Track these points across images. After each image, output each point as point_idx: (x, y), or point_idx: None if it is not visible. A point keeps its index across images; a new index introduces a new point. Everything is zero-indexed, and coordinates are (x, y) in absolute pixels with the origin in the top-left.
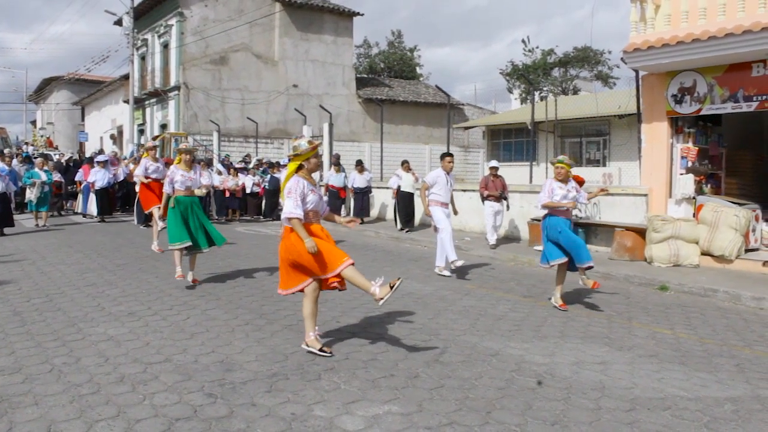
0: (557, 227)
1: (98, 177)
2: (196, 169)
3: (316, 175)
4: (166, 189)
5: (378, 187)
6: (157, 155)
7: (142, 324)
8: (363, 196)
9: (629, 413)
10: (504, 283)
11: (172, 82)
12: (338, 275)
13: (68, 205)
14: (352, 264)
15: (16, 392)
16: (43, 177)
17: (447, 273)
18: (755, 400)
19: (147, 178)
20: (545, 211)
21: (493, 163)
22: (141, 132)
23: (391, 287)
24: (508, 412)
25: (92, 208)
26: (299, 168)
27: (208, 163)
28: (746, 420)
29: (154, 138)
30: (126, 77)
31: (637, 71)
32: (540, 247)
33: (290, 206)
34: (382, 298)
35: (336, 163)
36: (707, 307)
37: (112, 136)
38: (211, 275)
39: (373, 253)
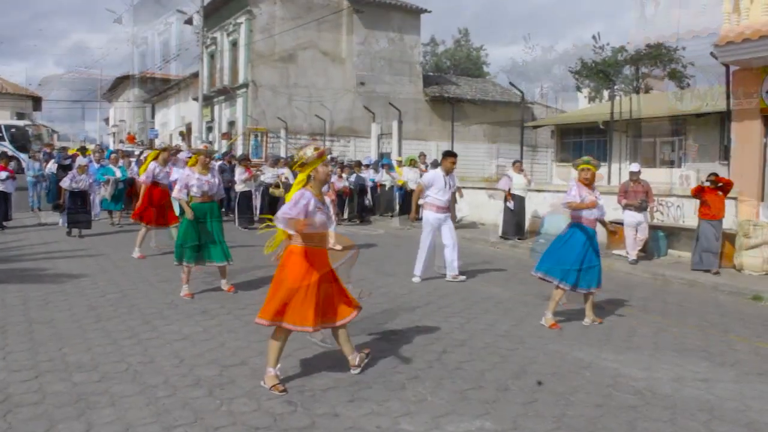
0: (575, 235)
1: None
2: (213, 172)
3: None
4: (180, 195)
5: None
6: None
7: (216, 323)
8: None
9: None
10: None
11: (241, 80)
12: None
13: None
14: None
15: (93, 391)
16: (118, 174)
17: (415, 280)
18: None
19: (154, 182)
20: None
21: (634, 167)
22: (209, 129)
23: (270, 387)
24: None
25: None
26: (308, 180)
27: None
28: None
29: (224, 136)
30: (195, 75)
31: (727, 66)
32: (620, 252)
33: (286, 208)
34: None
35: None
36: None
37: (181, 133)
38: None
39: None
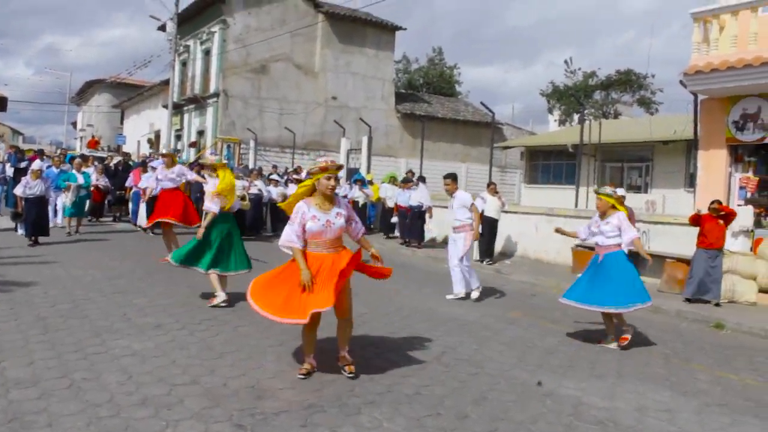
0: (590, 265)
1: (151, 183)
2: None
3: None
4: (212, 208)
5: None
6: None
7: (168, 339)
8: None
9: None
10: (549, 312)
11: (212, 89)
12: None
13: (106, 211)
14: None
15: (30, 409)
16: (80, 180)
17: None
18: None
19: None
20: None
21: (620, 191)
22: (178, 137)
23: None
24: None
25: (143, 218)
26: (313, 190)
27: (260, 172)
28: None
29: (191, 144)
30: (166, 82)
31: (696, 95)
32: None
33: (285, 233)
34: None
35: (405, 180)
36: None
37: (149, 140)
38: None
39: (410, 272)
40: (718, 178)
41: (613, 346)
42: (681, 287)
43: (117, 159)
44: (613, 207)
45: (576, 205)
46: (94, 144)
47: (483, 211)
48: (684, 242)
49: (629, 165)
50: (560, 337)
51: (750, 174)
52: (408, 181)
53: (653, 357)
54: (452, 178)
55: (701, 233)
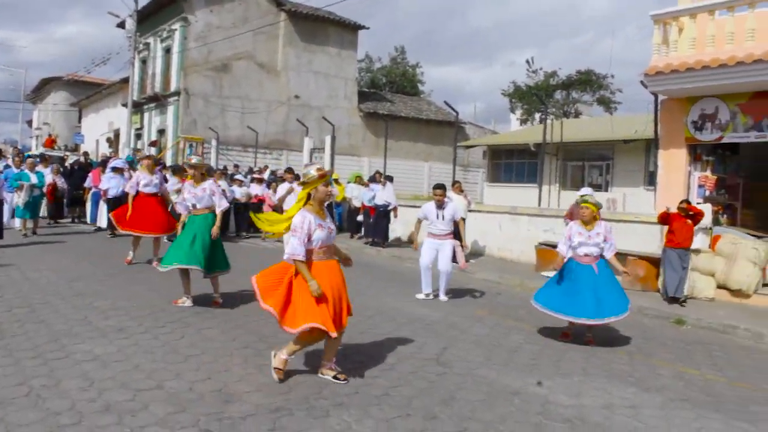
0: (569, 268)
1: (112, 184)
2: (205, 185)
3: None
4: (179, 209)
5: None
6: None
7: (131, 342)
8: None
9: None
10: (514, 310)
11: (173, 88)
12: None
13: (66, 212)
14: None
15: None
16: (33, 179)
17: (420, 297)
18: None
19: (139, 192)
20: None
21: (585, 190)
22: (138, 136)
23: (275, 372)
24: None
25: (102, 219)
26: (308, 198)
27: (224, 173)
28: None
29: (152, 144)
30: (126, 80)
31: (656, 95)
32: (549, 273)
33: (292, 246)
34: (272, 364)
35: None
36: (729, 345)
37: (108, 140)
38: (207, 292)
39: (375, 272)
40: (678, 177)
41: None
42: (643, 284)
43: (73, 158)
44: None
45: (539, 204)
46: (50, 143)
47: None
48: (646, 240)
49: (590, 164)
50: (525, 335)
51: (708, 173)
52: (372, 180)
53: (617, 354)
54: (443, 188)
55: (669, 232)
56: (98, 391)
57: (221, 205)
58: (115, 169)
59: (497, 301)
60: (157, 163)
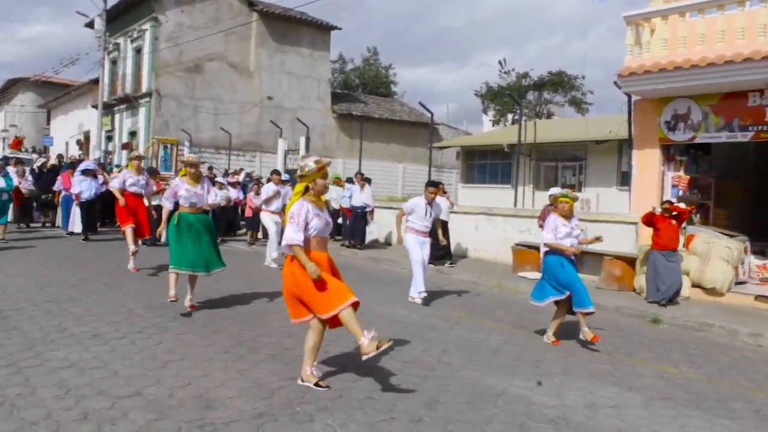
0: (558, 263)
1: (84, 187)
2: (203, 184)
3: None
4: (165, 203)
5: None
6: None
7: (108, 349)
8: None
9: None
10: (492, 311)
11: (144, 89)
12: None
13: (37, 217)
14: (354, 304)
15: None
16: (1, 183)
17: (418, 301)
18: None
19: (123, 191)
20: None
21: (554, 190)
22: (109, 138)
23: (378, 348)
24: None
25: (76, 223)
26: (306, 190)
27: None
28: None
29: (124, 146)
30: (95, 81)
31: (629, 96)
32: (526, 274)
33: (290, 232)
34: (366, 354)
35: (348, 180)
36: (705, 343)
37: (78, 142)
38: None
39: (351, 274)
40: (652, 177)
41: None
42: (619, 284)
43: (41, 160)
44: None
45: (515, 204)
46: (16, 144)
47: None
48: (620, 240)
49: (563, 164)
50: (505, 336)
51: (681, 173)
52: (350, 181)
53: (597, 353)
54: (436, 186)
55: (655, 234)
56: (75, 399)
57: (211, 199)
58: (85, 172)
59: (475, 302)
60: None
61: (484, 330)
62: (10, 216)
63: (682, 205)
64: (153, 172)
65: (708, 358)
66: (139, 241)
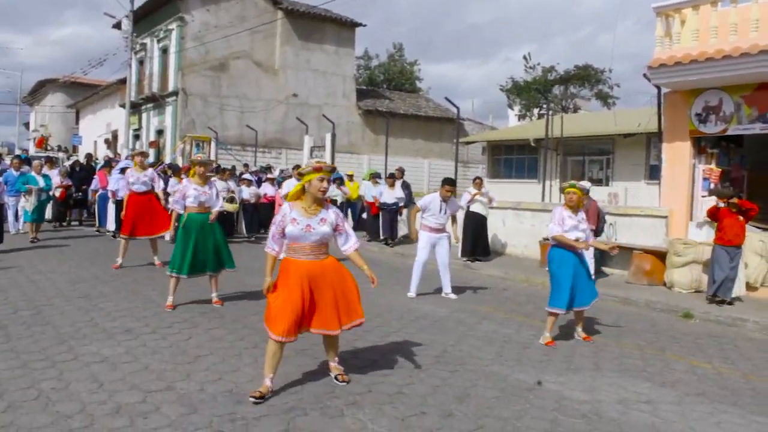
0: (562, 260)
1: (121, 186)
2: (211, 184)
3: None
4: (176, 207)
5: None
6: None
7: (139, 343)
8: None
9: None
10: (522, 306)
11: (170, 88)
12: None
13: (73, 216)
14: (286, 341)
15: None
16: (41, 183)
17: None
18: None
19: (130, 191)
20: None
21: (583, 184)
22: (136, 137)
23: (257, 395)
24: None
25: (111, 221)
26: (303, 191)
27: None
28: None
29: (151, 144)
30: (123, 81)
31: (659, 88)
32: None
33: (270, 240)
34: (252, 395)
35: (376, 176)
36: (739, 338)
37: (106, 141)
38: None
39: (379, 269)
40: (682, 170)
41: (581, 337)
42: (649, 278)
43: (73, 159)
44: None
45: (543, 199)
46: (41, 143)
47: (468, 207)
48: (650, 234)
49: (590, 158)
50: (534, 331)
51: (713, 165)
52: (390, 177)
53: (628, 348)
54: (453, 184)
55: (719, 229)
56: (108, 393)
57: (219, 204)
58: (123, 170)
59: (504, 297)
60: (155, 166)
61: (514, 325)
62: (49, 214)
63: (713, 199)
64: (179, 170)
65: (742, 353)
66: (164, 236)
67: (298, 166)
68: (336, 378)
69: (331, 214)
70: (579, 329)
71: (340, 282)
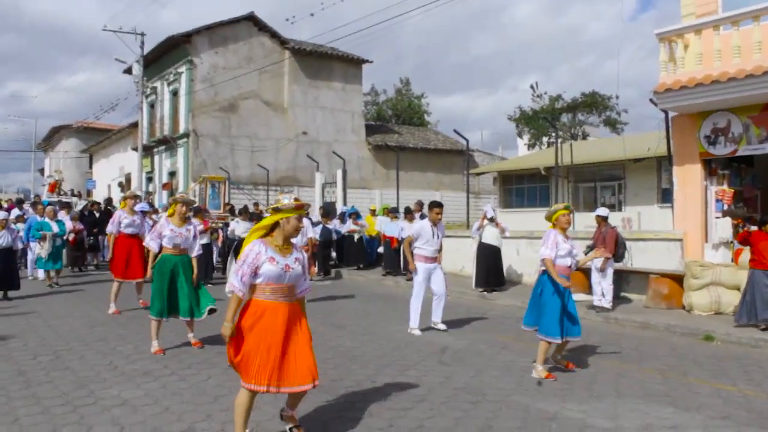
0: (556, 288)
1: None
2: (190, 226)
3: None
4: (151, 245)
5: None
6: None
7: (159, 385)
8: None
9: None
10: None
11: (181, 130)
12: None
13: (89, 260)
14: (247, 395)
15: None
16: (55, 228)
17: (416, 333)
18: None
19: (120, 233)
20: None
21: (601, 211)
22: (149, 179)
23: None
24: None
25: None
26: (274, 227)
27: (242, 213)
28: None
29: (164, 186)
30: (135, 125)
31: (666, 112)
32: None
33: (232, 276)
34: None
35: (393, 211)
36: (763, 359)
37: (120, 184)
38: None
39: (396, 303)
40: (694, 192)
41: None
42: (667, 302)
43: (83, 203)
44: None
45: None
46: (53, 188)
47: (481, 238)
48: (666, 257)
49: (602, 184)
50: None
51: (725, 186)
52: (408, 212)
53: (649, 373)
54: (441, 206)
55: (754, 253)
56: None
57: (198, 249)
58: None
59: (520, 327)
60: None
61: (532, 354)
62: (64, 260)
63: (727, 220)
64: (199, 211)
65: (767, 374)
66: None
67: (256, 204)
68: (293, 429)
69: (302, 254)
70: (559, 356)
71: (306, 329)
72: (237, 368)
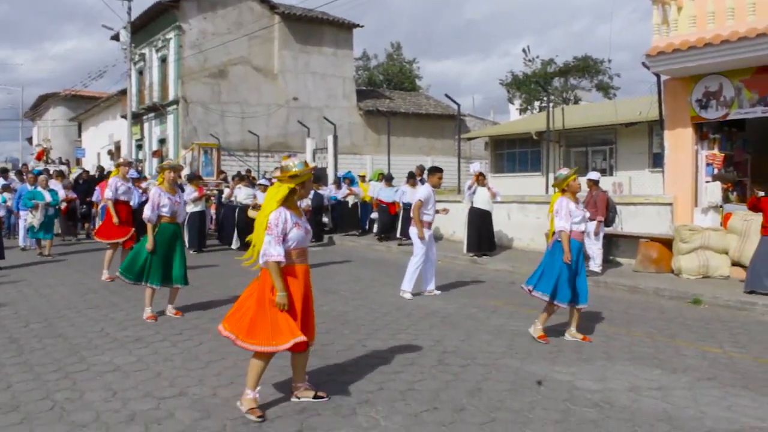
0: (554, 249)
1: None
2: (179, 192)
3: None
4: (152, 218)
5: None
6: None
7: (150, 351)
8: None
9: None
10: (529, 299)
11: (171, 97)
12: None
13: (80, 228)
14: (298, 345)
15: None
16: (48, 198)
17: (408, 296)
18: None
19: (116, 200)
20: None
21: (592, 175)
22: (139, 147)
23: (248, 411)
24: None
25: None
26: (291, 192)
27: (243, 179)
28: None
29: (154, 153)
30: (123, 92)
31: (658, 76)
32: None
33: (267, 245)
34: (241, 406)
35: (389, 177)
36: (749, 322)
37: (109, 152)
38: (223, 296)
39: (388, 268)
40: (685, 156)
41: (579, 337)
42: (656, 266)
43: (78, 171)
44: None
45: (546, 191)
46: (41, 155)
47: (472, 203)
48: (656, 221)
49: (593, 149)
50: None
51: (715, 150)
52: (411, 177)
53: (638, 336)
54: (441, 170)
55: (766, 218)
56: (122, 402)
57: (185, 214)
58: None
59: (511, 291)
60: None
61: (523, 318)
62: (57, 229)
63: (717, 184)
64: (194, 178)
65: (752, 337)
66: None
67: (248, 170)
68: (318, 396)
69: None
70: (574, 330)
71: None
72: (249, 335)
